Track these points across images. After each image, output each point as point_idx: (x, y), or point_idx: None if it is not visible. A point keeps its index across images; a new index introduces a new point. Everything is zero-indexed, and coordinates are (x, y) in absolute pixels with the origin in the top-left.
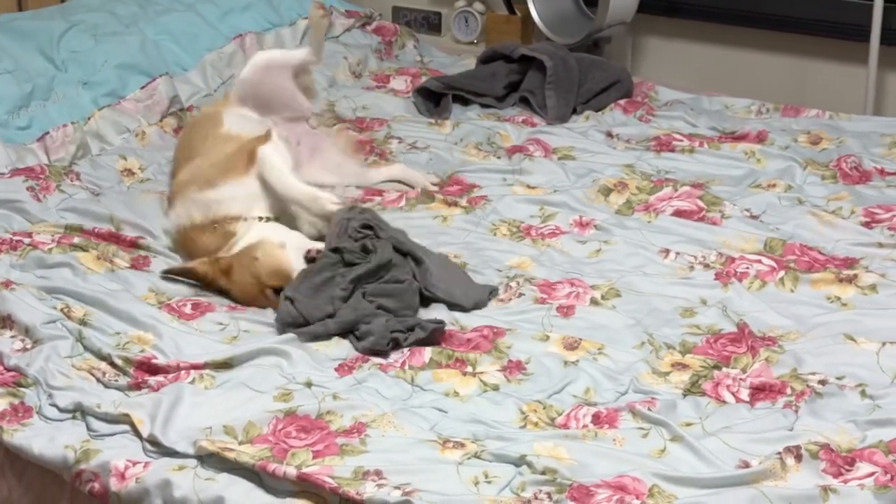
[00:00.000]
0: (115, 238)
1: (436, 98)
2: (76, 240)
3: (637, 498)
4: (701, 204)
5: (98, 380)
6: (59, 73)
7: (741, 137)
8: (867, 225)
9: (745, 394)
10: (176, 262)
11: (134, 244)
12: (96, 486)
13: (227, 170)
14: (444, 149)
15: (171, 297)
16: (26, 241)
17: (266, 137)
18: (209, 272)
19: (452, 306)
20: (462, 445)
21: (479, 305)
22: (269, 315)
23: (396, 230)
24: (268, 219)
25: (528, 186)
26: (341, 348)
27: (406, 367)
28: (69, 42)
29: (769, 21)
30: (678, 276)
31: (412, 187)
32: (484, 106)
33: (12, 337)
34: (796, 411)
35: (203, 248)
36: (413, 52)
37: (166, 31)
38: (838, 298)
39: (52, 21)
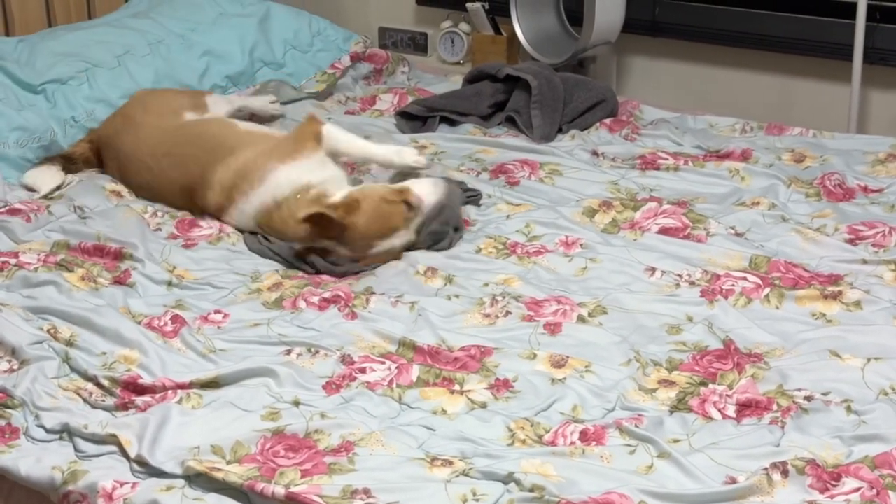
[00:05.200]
0: (100, 251)
1: (422, 118)
2: (62, 257)
3: None
4: (686, 221)
5: (85, 400)
6: (49, 106)
7: (726, 155)
8: (851, 242)
9: (731, 410)
10: (162, 276)
11: (119, 255)
12: None
13: (292, 151)
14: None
15: (147, 315)
16: (12, 261)
17: (315, 120)
18: (338, 212)
19: None
20: (450, 463)
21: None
22: (243, 333)
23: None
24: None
25: (513, 204)
26: (328, 366)
27: (394, 386)
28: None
29: (753, 40)
30: (664, 293)
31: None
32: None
33: None
34: (782, 427)
35: (297, 213)
36: (402, 77)
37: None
38: (823, 315)
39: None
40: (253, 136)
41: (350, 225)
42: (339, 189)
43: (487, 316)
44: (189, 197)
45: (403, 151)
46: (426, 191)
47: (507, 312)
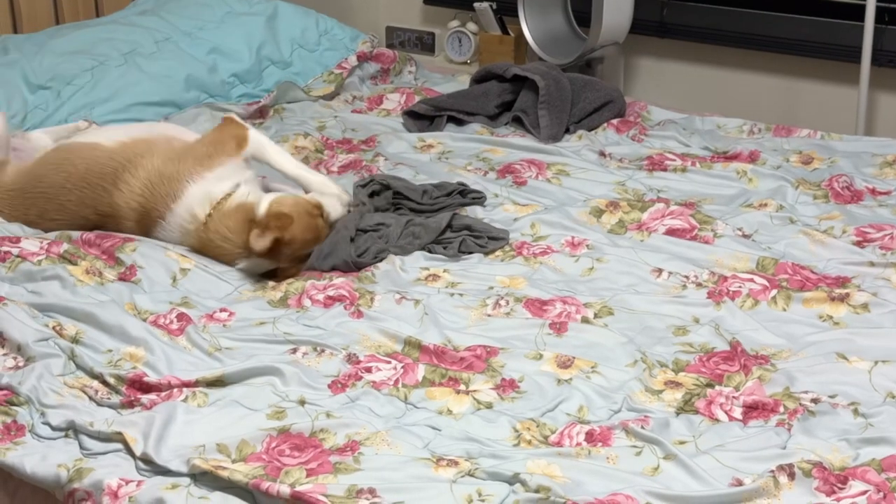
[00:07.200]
0: (99, 241)
1: (429, 117)
2: (65, 247)
3: None
4: (693, 222)
5: (90, 398)
6: (57, 103)
7: (733, 157)
8: (859, 244)
9: (737, 412)
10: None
11: (123, 242)
12: None
13: (210, 155)
14: (435, 166)
15: (152, 312)
16: (14, 251)
17: (236, 122)
18: (279, 229)
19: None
20: (456, 463)
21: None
22: (248, 332)
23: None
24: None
25: (519, 204)
26: (333, 365)
27: (399, 385)
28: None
29: (761, 42)
30: (671, 294)
31: None
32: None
33: (4, 355)
34: (789, 430)
35: (230, 231)
36: (409, 76)
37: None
38: (830, 317)
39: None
40: (135, 146)
41: (288, 240)
42: (253, 194)
43: (489, 316)
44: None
45: (338, 188)
46: (333, 207)
47: (512, 312)
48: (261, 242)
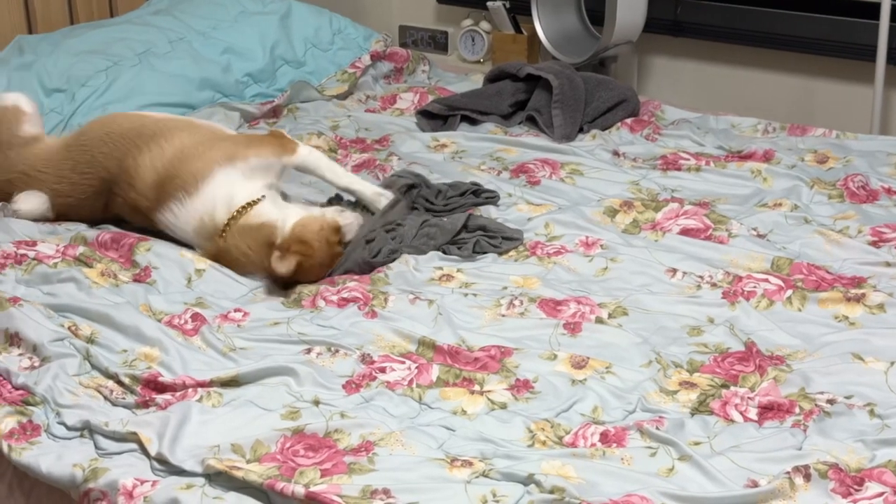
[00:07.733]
0: (116, 243)
1: (443, 117)
2: (81, 250)
3: None
4: (708, 222)
5: (106, 398)
6: (72, 105)
7: (748, 156)
8: (874, 244)
9: (753, 413)
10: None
11: (133, 247)
12: None
13: (248, 145)
14: (449, 166)
15: (167, 313)
16: (31, 254)
17: (285, 135)
18: (297, 255)
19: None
20: (470, 464)
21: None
22: (261, 332)
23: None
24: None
25: (533, 204)
26: (348, 365)
27: (413, 386)
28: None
29: (775, 40)
30: (685, 294)
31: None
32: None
33: (20, 355)
34: (805, 430)
35: (250, 249)
36: (423, 75)
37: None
38: (846, 318)
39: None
40: (178, 122)
41: (307, 268)
42: (278, 209)
43: (503, 316)
44: (107, 202)
45: (384, 196)
46: (352, 228)
47: (526, 312)
48: (284, 266)
